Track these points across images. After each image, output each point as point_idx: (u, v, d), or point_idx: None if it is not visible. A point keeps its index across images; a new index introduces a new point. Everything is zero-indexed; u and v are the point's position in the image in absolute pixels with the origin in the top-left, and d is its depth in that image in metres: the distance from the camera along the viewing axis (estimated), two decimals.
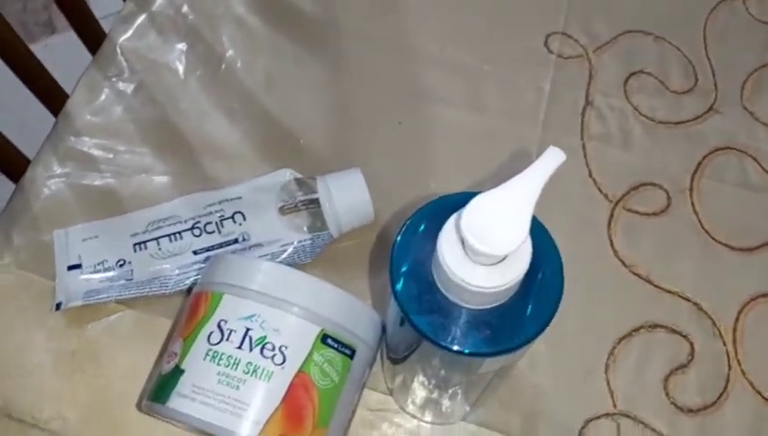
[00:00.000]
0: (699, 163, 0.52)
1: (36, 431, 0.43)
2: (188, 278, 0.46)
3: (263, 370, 0.35)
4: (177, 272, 0.46)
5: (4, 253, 0.48)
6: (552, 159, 0.26)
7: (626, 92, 0.55)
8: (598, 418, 0.45)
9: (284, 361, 0.36)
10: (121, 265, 0.47)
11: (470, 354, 0.30)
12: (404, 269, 0.30)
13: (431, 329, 0.30)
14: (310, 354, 0.36)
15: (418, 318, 0.30)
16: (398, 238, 0.31)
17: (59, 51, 0.59)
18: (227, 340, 0.36)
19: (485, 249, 0.26)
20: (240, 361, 0.35)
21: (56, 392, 0.44)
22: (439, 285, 0.29)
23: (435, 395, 0.41)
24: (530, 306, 0.30)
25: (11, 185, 0.52)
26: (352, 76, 0.55)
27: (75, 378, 0.45)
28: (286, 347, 0.36)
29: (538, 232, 0.29)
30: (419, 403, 0.44)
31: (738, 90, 0.55)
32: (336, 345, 0.37)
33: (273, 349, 0.36)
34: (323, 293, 0.37)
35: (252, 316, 0.36)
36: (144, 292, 0.46)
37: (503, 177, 0.27)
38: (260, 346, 0.36)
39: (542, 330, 0.30)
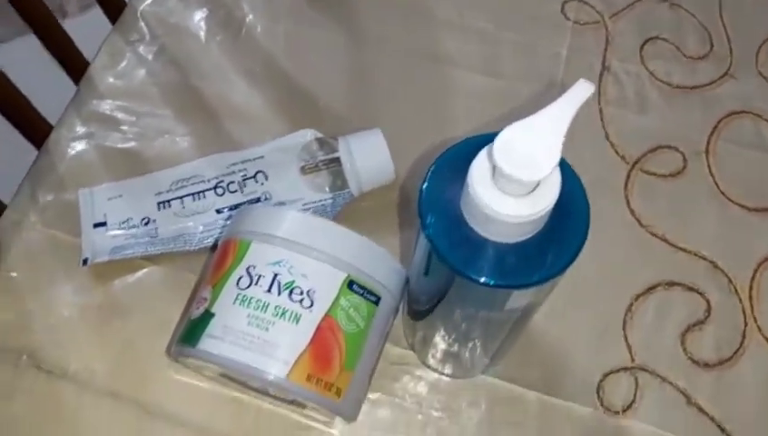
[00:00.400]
0: (715, 127, 0.53)
1: (65, 382, 0.44)
2: (211, 235, 0.47)
3: (292, 312, 0.36)
4: (201, 228, 0.47)
5: (30, 212, 0.49)
6: (581, 90, 0.27)
7: (643, 57, 0.55)
8: (617, 371, 0.45)
9: (312, 304, 0.36)
10: (146, 223, 0.47)
11: (496, 286, 0.30)
12: (433, 206, 0.31)
13: (461, 262, 0.30)
14: (337, 299, 0.37)
15: (448, 252, 0.30)
16: (428, 175, 0.32)
17: (71, 35, 0.60)
18: (256, 284, 0.37)
19: (517, 174, 0.26)
20: (269, 304, 0.36)
21: (84, 345, 0.45)
22: (468, 219, 0.30)
23: (455, 348, 0.42)
24: (556, 242, 0.30)
25: (33, 152, 0.53)
26: (371, 40, 0.55)
27: (102, 331, 0.45)
28: (314, 291, 0.37)
29: (565, 171, 0.30)
30: (440, 357, 0.44)
31: (753, 56, 0.56)
32: (361, 291, 0.38)
33: (301, 293, 0.36)
34: (349, 241, 0.38)
35: (280, 262, 0.37)
36: (170, 247, 0.46)
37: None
38: (288, 290, 0.36)
39: (568, 264, 0.30)
